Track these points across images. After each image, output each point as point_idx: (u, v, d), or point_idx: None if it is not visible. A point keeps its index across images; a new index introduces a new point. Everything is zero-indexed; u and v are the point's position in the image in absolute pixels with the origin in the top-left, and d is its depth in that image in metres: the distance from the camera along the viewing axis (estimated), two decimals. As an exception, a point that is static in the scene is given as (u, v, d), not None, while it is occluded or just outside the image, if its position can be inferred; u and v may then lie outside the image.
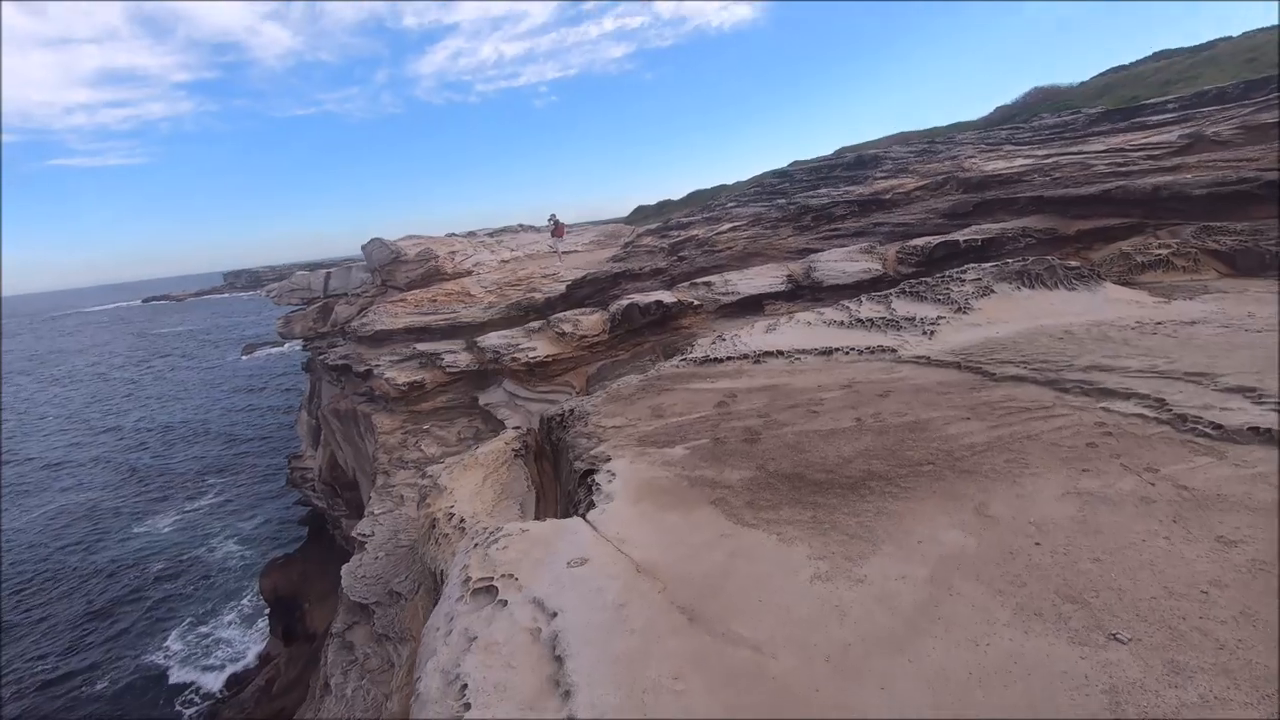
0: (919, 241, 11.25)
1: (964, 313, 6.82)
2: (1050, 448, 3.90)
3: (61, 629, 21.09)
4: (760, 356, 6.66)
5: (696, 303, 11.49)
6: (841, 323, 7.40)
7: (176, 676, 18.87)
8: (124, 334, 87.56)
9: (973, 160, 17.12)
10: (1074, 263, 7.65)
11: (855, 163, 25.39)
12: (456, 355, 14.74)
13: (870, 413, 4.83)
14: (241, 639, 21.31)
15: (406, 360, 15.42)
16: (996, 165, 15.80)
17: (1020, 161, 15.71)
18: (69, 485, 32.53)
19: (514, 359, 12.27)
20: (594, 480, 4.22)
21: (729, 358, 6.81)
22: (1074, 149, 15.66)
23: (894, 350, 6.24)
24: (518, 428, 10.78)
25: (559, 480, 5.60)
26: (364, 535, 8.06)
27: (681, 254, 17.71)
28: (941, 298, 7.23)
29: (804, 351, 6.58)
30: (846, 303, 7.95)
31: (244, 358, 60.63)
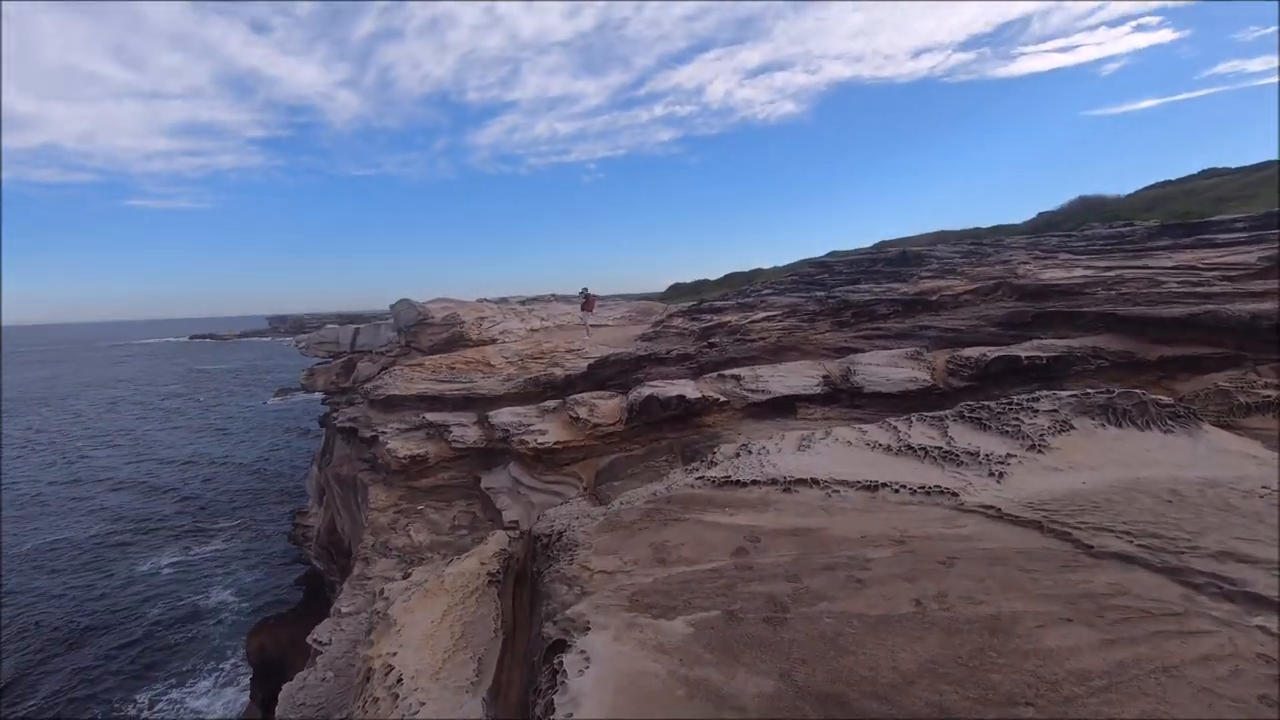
0: (972, 352, 10.22)
1: (1039, 452, 5.71)
2: (1202, 694, 2.75)
3: (40, 666, 19.82)
4: (791, 485, 5.62)
5: (723, 399, 10.54)
6: (888, 447, 6.34)
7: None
8: (168, 368, 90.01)
9: (1026, 266, 16.23)
10: (1165, 398, 6.52)
11: (898, 259, 24.74)
12: (465, 429, 13.94)
13: (933, 591, 3.72)
14: (210, 708, 19.94)
15: (414, 430, 14.68)
16: (1054, 274, 14.85)
17: (1080, 271, 14.74)
18: (82, 512, 32.00)
19: (522, 441, 11.39)
20: (561, 664, 3.17)
21: (754, 481, 5.79)
22: (1137, 263, 14.67)
23: (955, 494, 5.14)
24: (513, 524, 9.76)
25: (532, 623, 4.56)
26: (319, 644, 7.01)
27: (712, 340, 16.94)
28: (1010, 429, 6.14)
29: (844, 484, 5.52)
30: (894, 421, 6.91)
31: (273, 400, 61.24)
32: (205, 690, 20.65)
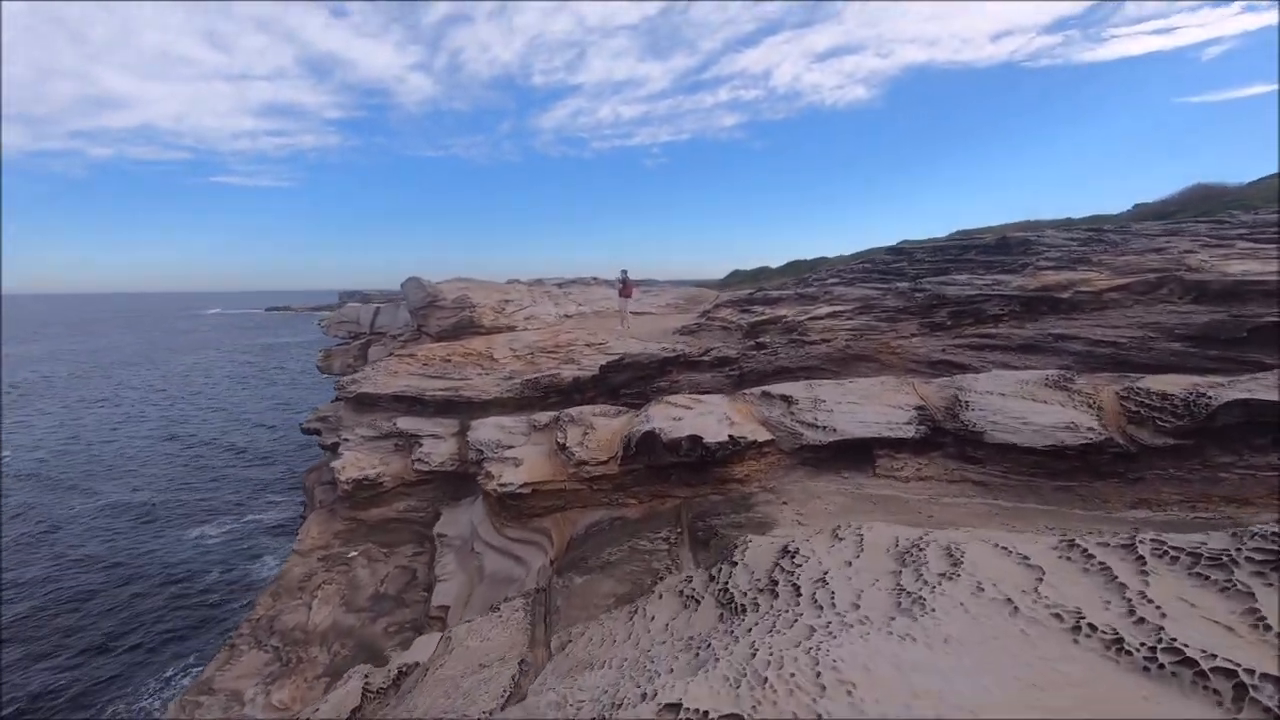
0: (1169, 385, 6.42)
1: None
2: None
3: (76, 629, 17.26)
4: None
5: (763, 440, 7.11)
6: (1096, 630, 2.86)
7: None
8: (247, 339, 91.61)
9: (1196, 257, 11.92)
10: None
11: (998, 246, 20.34)
12: (439, 443, 11.04)
13: None
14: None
15: (381, 439, 11.88)
16: (1245, 266, 10.59)
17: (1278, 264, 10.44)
18: (138, 482, 29.48)
19: (488, 474, 8.34)
20: None
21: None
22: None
23: None
24: (439, 612, 6.73)
25: None
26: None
27: (760, 339, 13.43)
28: None
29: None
30: (1097, 547, 3.41)
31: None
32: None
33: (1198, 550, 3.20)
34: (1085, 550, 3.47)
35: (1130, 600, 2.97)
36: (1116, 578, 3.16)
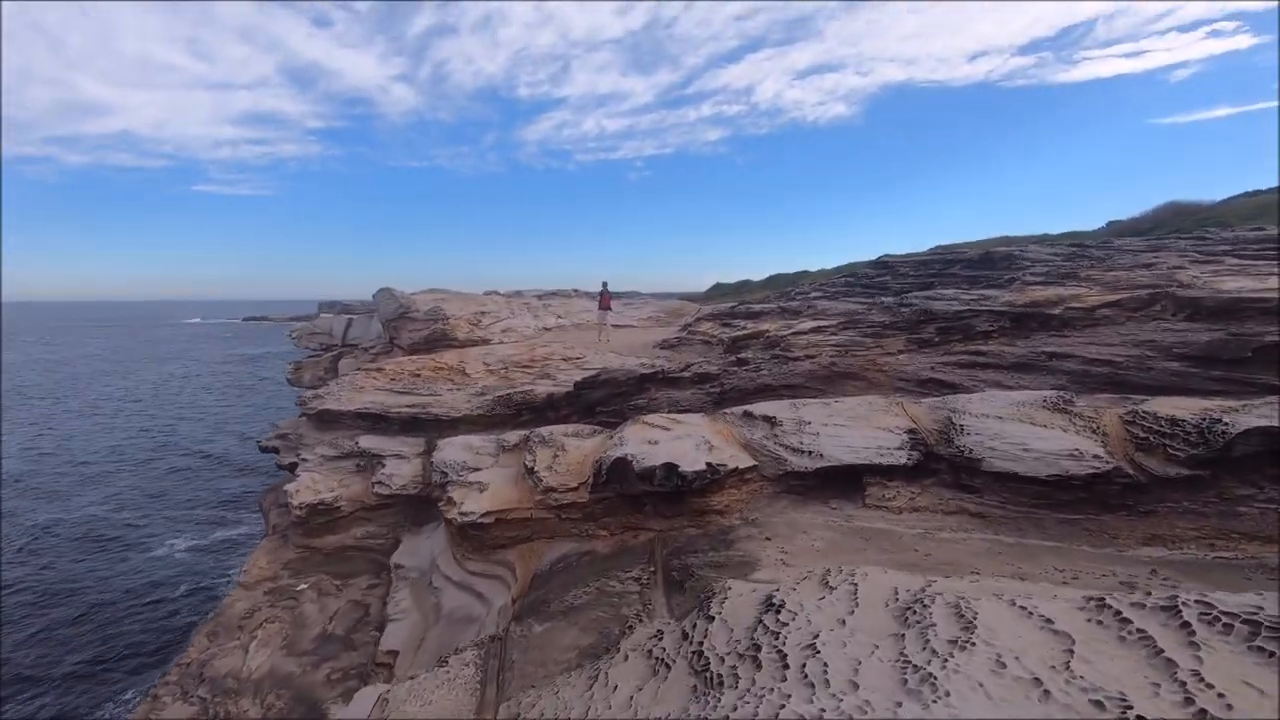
0: (1173, 409, 6.00)
1: None
2: None
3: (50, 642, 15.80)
4: None
5: (745, 466, 6.58)
6: None
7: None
8: (223, 350, 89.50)
9: (1187, 273, 11.70)
10: None
11: (982, 260, 20.20)
12: (402, 464, 10.38)
13: None
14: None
15: (342, 459, 11.18)
16: (1239, 283, 10.35)
17: (1276, 282, 10.21)
18: (109, 493, 27.71)
19: (449, 501, 7.71)
20: None
21: None
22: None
23: None
24: (388, 657, 6.09)
25: None
26: None
27: (742, 355, 12.97)
28: None
29: None
30: (1136, 616, 2.91)
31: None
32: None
33: (1254, 617, 2.71)
34: (1119, 613, 2.96)
35: (1184, 684, 2.45)
36: (1162, 651, 2.65)
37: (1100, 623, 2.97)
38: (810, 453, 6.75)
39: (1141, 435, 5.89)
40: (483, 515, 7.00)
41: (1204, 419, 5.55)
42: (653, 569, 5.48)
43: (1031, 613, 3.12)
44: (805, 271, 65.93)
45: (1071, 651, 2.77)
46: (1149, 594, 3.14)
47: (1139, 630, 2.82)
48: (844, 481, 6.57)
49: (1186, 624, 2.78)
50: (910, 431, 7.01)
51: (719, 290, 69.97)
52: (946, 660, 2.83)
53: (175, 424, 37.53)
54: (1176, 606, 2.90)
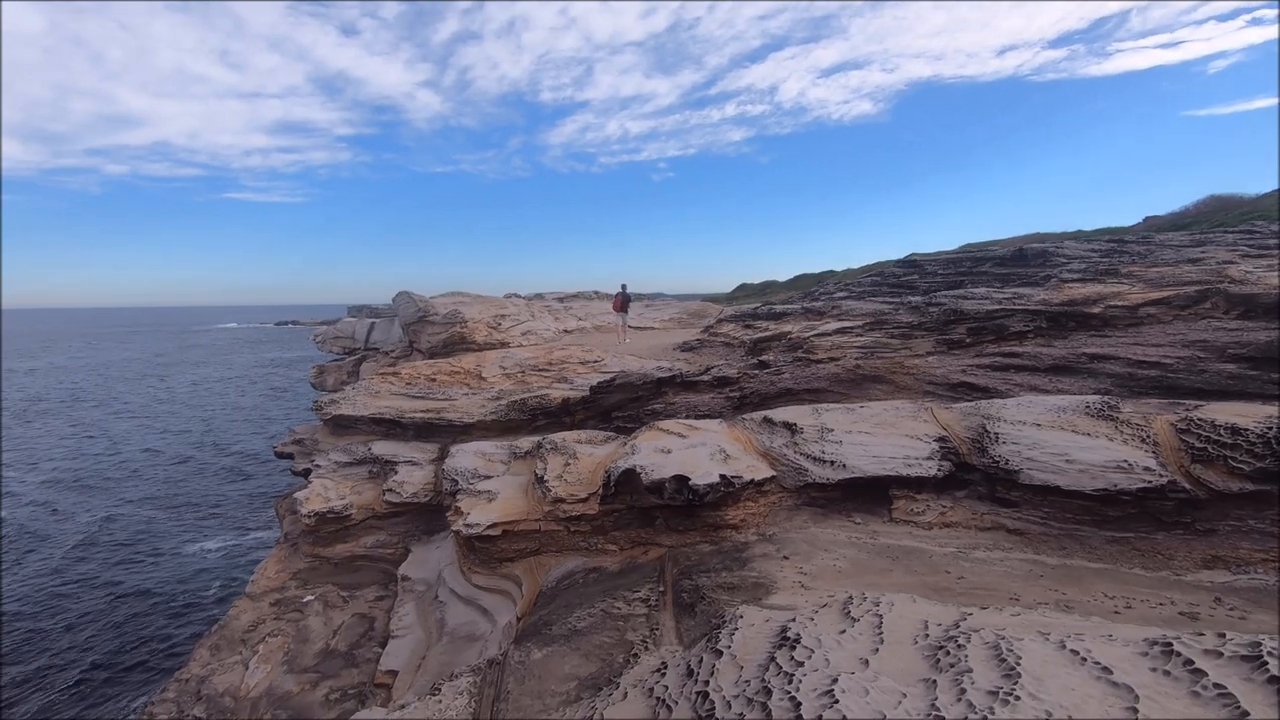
0: (1233, 416, 5.47)
1: None
2: None
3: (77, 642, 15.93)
4: None
5: (762, 478, 6.20)
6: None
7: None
8: (255, 353, 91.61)
9: (1238, 268, 10.96)
10: None
11: (1014, 257, 19.41)
12: (414, 471, 10.20)
13: None
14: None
15: (355, 465, 11.06)
16: (1297, 278, 9.64)
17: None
18: (141, 495, 28.16)
19: (456, 511, 7.47)
20: None
21: None
22: None
23: None
24: (386, 677, 5.85)
25: None
26: None
27: (763, 358, 12.55)
28: None
29: None
30: (1211, 668, 2.51)
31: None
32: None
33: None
34: (1190, 662, 2.55)
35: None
36: (1247, 715, 2.24)
37: (1168, 673, 2.55)
38: (833, 462, 6.35)
39: (1198, 445, 5.37)
40: (489, 527, 6.74)
41: (1270, 427, 5.03)
42: (662, 589, 5.14)
43: (1085, 658, 2.72)
44: (831, 271, 64.91)
45: (1135, 710, 2.37)
46: (1223, 636, 2.71)
47: (1216, 685, 2.41)
48: (869, 494, 6.15)
49: (1275, 678, 2.36)
50: (940, 439, 6.56)
51: (744, 291, 69.29)
52: (986, 717, 2.44)
53: (212, 425, 38.28)
54: (1261, 656, 2.47)
